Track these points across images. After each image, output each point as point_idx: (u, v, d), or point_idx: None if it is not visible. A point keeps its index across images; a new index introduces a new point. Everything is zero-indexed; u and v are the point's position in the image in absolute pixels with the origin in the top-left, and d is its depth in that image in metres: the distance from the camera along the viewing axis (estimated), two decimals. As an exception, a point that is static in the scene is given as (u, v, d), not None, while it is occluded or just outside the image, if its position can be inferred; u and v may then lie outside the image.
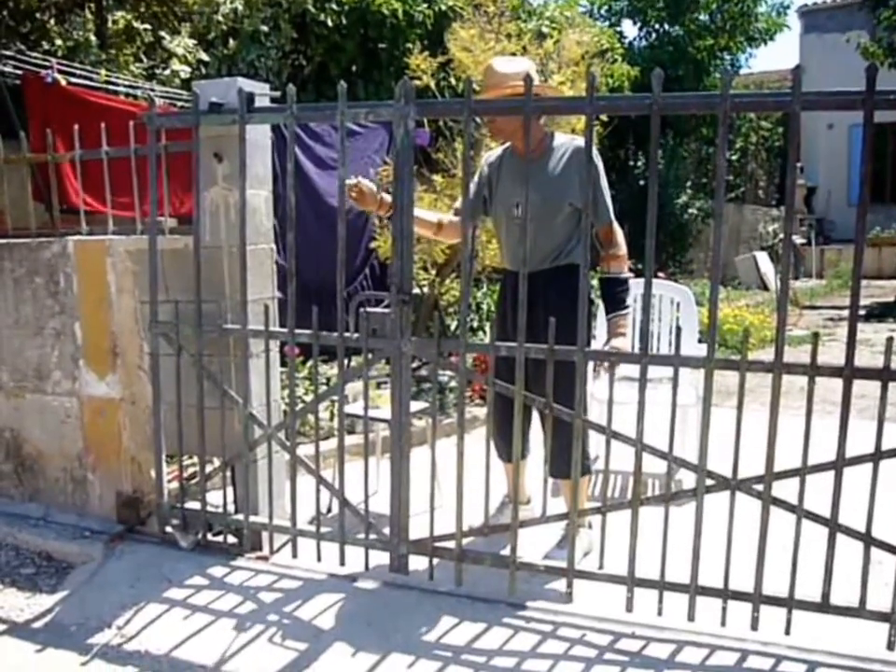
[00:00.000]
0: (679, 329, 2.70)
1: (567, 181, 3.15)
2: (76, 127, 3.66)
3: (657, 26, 15.05)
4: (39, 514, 3.65)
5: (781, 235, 16.00)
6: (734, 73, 15.81)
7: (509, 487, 3.66)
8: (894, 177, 19.13)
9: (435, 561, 3.02)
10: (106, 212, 3.76)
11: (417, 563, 3.08)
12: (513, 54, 5.90)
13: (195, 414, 3.21)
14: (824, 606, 2.64)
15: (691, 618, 2.73)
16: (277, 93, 3.20)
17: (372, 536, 3.08)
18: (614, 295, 3.23)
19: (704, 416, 2.69)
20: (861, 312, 11.75)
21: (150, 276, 3.21)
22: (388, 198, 3.08)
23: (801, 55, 19.80)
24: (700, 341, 4.55)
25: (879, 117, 2.41)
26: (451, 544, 2.99)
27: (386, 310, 2.96)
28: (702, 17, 15.01)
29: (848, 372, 2.51)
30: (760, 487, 2.65)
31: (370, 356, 3.02)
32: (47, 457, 3.68)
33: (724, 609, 2.70)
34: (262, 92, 3.15)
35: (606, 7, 15.70)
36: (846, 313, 10.19)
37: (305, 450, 4.13)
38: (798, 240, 16.15)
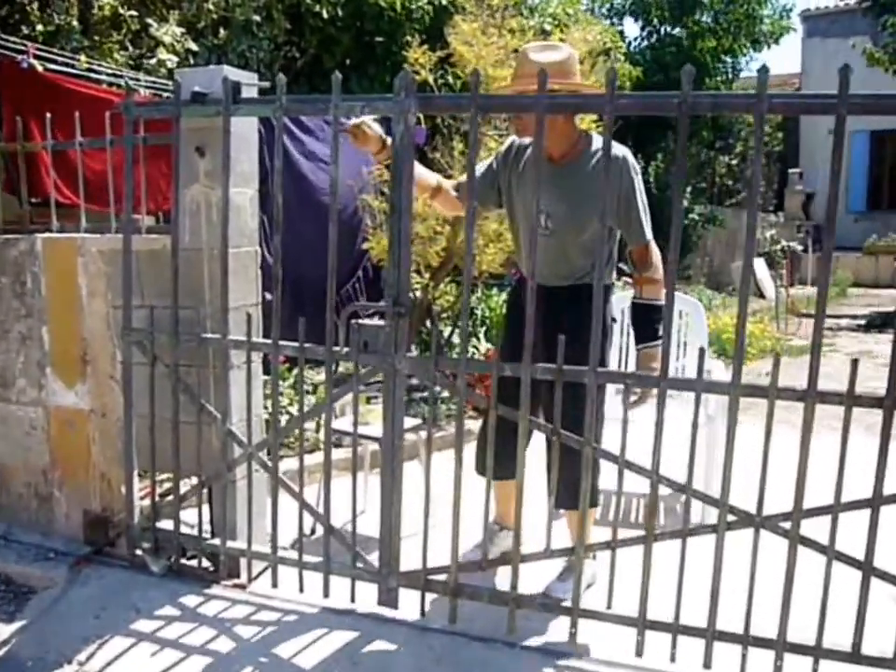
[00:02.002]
0: (702, 350, 2.45)
1: (598, 192, 2.86)
2: (48, 115, 3.41)
3: (659, 26, 14.82)
4: (0, 533, 3.39)
5: (781, 242, 15.87)
6: (735, 75, 15.65)
7: (498, 512, 3.41)
8: (892, 185, 19.02)
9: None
10: (89, 207, 3.52)
11: (408, 596, 2.83)
12: (516, 50, 5.68)
13: (170, 429, 2.96)
14: (855, 656, 2.41)
15: (707, 665, 2.49)
16: (266, 84, 2.95)
17: (360, 565, 2.83)
18: (646, 323, 2.96)
19: (728, 446, 2.45)
20: (861, 322, 11.61)
21: (124, 279, 2.95)
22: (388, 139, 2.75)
23: (803, 60, 19.72)
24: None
25: (881, 124, 2.20)
26: (445, 575, 2.75)
27: (380, 321, 2.71)
28: (705, 18, 14.80)
29: (890, 402, 2.28)
30: (787, 525, 2.42)
31: (361, 371, 2.76)
32: (10, 471, 3.41)
33: (744, 657, 2.46)
34: (250, 82, 2.90)
35: (607, 6, 15.48)
36: (844, 322, 10.08)
37: (289, 464, 3.90)
38: (796, 246, 16.00)
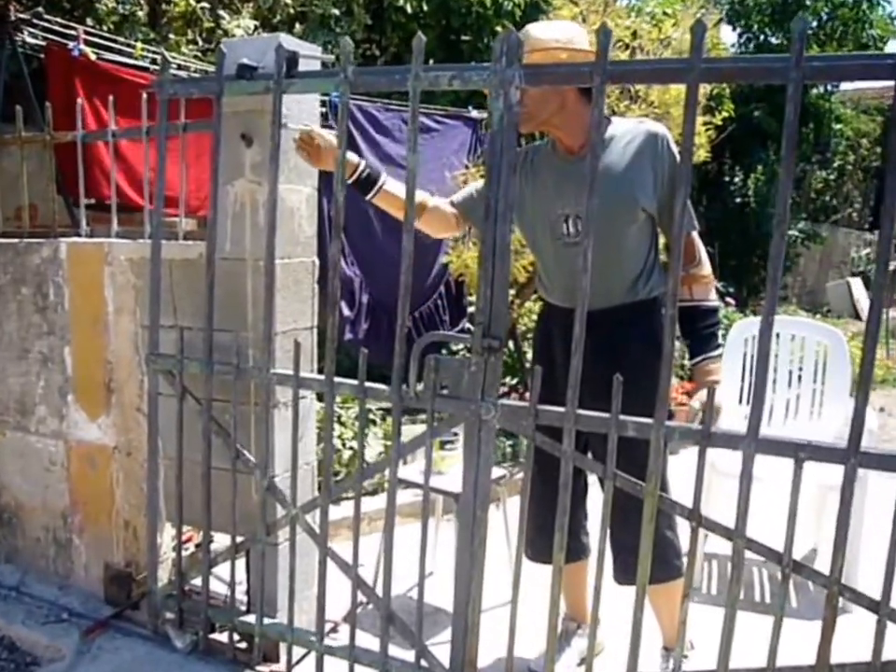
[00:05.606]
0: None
1: (636, 179, 2.26)
2: (79, 101, 2.93)
3: (759, 33, 14.01)
4: (13, 581, 2.91)
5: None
6: (835, 86, 14.78)
7: (568, 603, 2.80)
8: None
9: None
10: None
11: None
12: (620, 40, 5.16)
13: (200, 475, 2.42)
14: None
15: None
16: (331, 57, 2.40)
17: (425, 664, 2.23)
18: (700, 331, 2.38)
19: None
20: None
21: (150, 293, 2.41)
22: (355, 158, 2.38)
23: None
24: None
25: None
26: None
27: (463, 355, 2.12)
28: (810, 24, 13.96)
29: None
30: None
31: (437, 420, 2.16)
32: (27, 511, 2.94)
33: None
34: (310, 54, 2.34)
35: (703, 12, 14.73)
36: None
37: (342, 511, 3.35)
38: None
